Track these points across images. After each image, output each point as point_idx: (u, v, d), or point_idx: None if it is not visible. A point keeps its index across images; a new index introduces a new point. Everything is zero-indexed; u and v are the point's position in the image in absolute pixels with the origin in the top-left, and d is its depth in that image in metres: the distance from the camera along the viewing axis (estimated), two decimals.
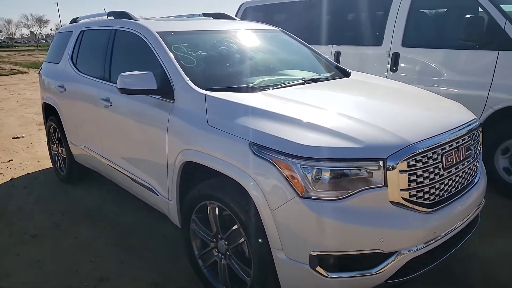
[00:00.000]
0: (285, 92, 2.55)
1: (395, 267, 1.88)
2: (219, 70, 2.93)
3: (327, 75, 3.20)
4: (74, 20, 4.54)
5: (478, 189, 2.30)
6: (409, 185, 1.89)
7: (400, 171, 1.85)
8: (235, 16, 5.29)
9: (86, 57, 3.88)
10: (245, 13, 6.14)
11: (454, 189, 2.12)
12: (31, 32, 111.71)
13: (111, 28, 3.47)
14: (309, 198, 1.84)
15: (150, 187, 2.86)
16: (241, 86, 2.60)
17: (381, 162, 1.83)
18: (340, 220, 1.82)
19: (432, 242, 1.96)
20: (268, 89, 2.55)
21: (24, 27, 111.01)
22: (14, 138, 6.52)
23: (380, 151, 1.85)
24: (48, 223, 3.55)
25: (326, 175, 1.84)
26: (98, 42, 3.65)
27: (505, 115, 3.61)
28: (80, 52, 3.96)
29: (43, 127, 5.81)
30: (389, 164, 1.83)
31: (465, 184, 2.22)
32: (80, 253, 3.05)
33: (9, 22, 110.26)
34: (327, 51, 4.97)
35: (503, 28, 3.57)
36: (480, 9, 3.79)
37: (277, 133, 1.97)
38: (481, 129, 2.46)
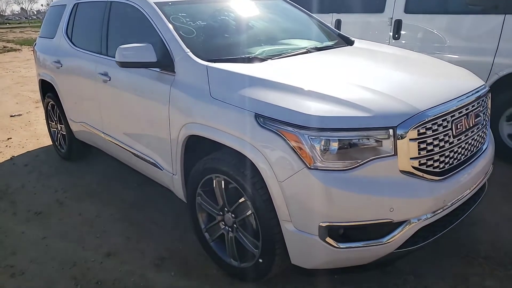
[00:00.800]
0: (289, 61, 2.49)
1: (405, 236, 1.87)
2: (220, 41, 2.84)
3: (330, 43, 3.12)
4: None
5: (486, 157, 2.27)
6: (419, 153, 1.86)
7: (410, 139, 1.82)
8: None
9: (81, 31, 3.76)
10: None
11: (463, 156, 2.10)
12: (21, 8, 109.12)
13: None
14: (318, 169, 1.81)
15: (154, 162, 2.83)
16: (243, 56, 2.52)
17: (390, 131, 1.79)
18: (350, 191, 1.80)
19: (441, 210, 1.95)
20: (271, 58, 2.48)
21: (15, 3, 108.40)
22: (11, 116, 6.44)
23: (389, 120, 1.81)
24: (51, 200, 3.54)
25: (334, 145, 1.80)
26: (93, 15, 3.52)
27: (511, 81, 3.55)
28: (75, 26, 3.84)
29: (40, 104, 5.73)
30: (399, 132, 1.79)
31: (474, 151, 2.19)
32: (86, 229, 3.05)
33: None
34: (327, 20, 4.85)
35: None
36: None
37: (283, 104, 1.92)
38: (489, 95, 2.41)
